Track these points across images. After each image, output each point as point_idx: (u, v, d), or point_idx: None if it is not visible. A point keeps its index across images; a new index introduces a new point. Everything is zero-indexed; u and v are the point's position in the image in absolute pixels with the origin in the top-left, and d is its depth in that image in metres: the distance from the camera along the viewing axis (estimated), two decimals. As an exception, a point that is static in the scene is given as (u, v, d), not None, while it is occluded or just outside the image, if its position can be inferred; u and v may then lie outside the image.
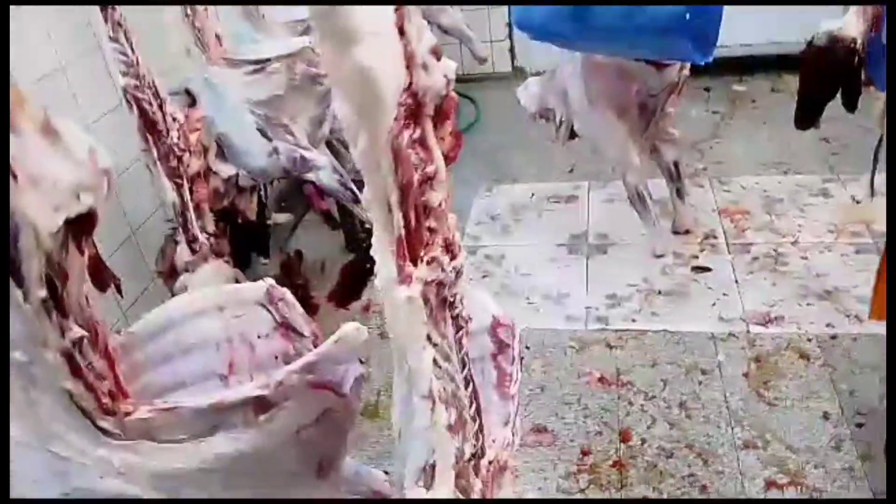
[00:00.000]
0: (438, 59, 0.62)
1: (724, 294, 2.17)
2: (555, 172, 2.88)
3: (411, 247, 0.67)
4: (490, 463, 0.89)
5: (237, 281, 1.72)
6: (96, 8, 1.47)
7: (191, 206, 1.66)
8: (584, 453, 1.75)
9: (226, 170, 1.75)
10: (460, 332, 0.75)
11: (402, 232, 0.65)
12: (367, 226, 2.39)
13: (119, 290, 1.02)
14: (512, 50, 3.63)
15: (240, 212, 1.87)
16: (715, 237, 2.40)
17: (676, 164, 2.33)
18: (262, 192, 1.97)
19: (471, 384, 0.79)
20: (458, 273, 0.70)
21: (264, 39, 1.78)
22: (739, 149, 2.85)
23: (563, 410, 1.87)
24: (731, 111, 3.11)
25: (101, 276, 0.73)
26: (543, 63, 3.25)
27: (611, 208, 2.61)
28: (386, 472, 1.05)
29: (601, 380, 1.95)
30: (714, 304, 2.13)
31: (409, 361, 0.71)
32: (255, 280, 1.92)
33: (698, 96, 3.18)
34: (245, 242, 2.05)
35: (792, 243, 2.33)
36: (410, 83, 0.60)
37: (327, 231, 2.80)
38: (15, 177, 0.64)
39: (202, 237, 1.69)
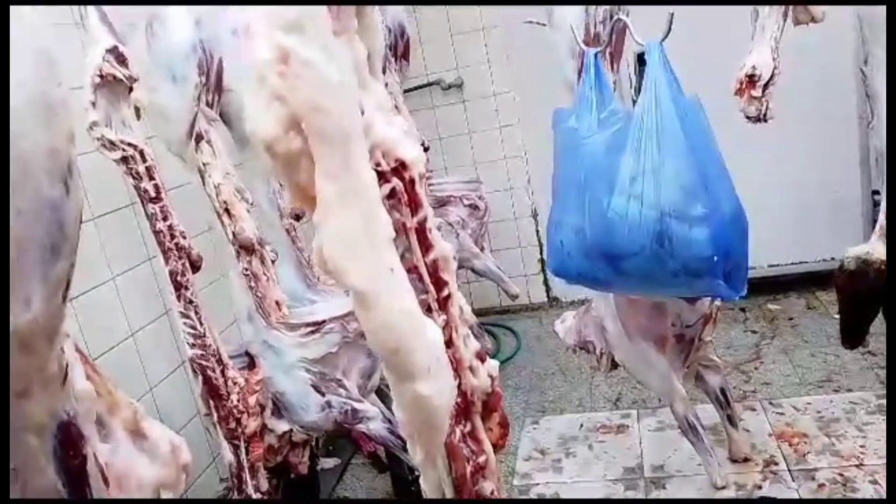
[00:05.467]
0: (483, 361, 0.70)
1: (797, 528, 2.05)
2: (601, 400, 2.88)
3: (469, 537, 0.70)
4: None
5: (289, 542, 1.70)
6: (166, 279, 1.62)
7: (246, 466, 1.70)
8: None
9: (280, 426, 1.81)
10: None
11: (460, 523, 0.69)
12: (416, 472, 2.36)
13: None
14: (546, 283, 3.81)
15: (292, 466, 1.90)
16: (775, 463, 2.31)
17: (723, 391, 2.32)
18: (314, 445, 2.01)
19: None
20: (517, 560, 0.72)
21: (318, 300, 1.93)
22: (784, 368, 2.83)
23: None
24: (769, 331, 3.14)
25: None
26: (578, 292, 3.40)
27: (663, 437, 2.56)
28: None
29: None
30: (788, 540, 2.01)
31: None
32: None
33: (735, 318, 3.23)
34: (297, 497, 2.05)
35: (857, 466, 2.23)
36: (460, 384, 0.68)
37: (374, 474, 2.77)
38: (106, 482, 0.70)
39: (256, 497, 1.71)
